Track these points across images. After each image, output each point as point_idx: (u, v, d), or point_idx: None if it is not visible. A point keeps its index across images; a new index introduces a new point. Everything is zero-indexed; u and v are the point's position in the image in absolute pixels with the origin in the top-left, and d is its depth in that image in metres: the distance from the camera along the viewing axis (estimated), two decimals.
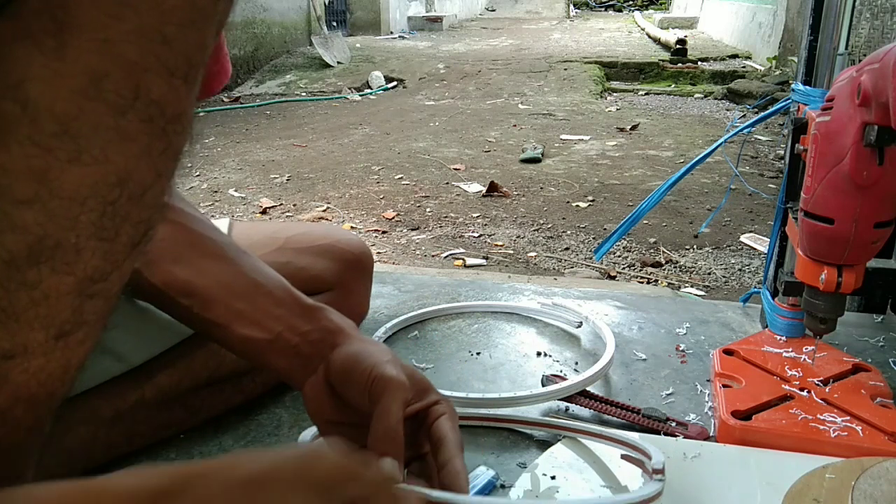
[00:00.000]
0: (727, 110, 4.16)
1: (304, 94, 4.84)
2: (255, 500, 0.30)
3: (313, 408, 0.52)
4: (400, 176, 2.70)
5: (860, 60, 0.58)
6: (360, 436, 0.47)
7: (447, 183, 2.59)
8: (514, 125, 3.66)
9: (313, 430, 0.58)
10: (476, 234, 2.04)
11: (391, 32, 7.78)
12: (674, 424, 0.68)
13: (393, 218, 2.20)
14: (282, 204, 2.37)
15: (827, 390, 0.70)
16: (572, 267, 1.81)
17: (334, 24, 7.03)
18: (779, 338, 0.82)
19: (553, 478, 0.60)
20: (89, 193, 0.30)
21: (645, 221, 2.06)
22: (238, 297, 0.53)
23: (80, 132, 0.29)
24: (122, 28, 0.29)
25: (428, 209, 2.29)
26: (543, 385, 0.74)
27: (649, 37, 7.30)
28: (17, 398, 0.32)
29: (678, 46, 5.79)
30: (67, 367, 0.34)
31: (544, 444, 0.66)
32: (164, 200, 0.34)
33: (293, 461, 0.33)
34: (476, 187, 2.51)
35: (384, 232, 2.08)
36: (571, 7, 12.66)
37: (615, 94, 4.85)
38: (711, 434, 0.68)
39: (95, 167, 0.30)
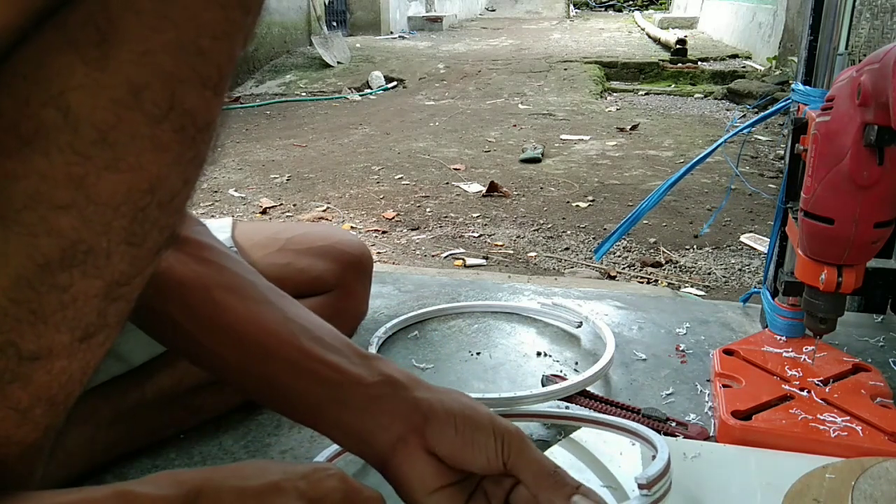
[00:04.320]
0: (727, 110, 4.16)
1: (304, 94, 4.84)
2: None
3: (418, 482, 0.45)
4: (400, 176, 2.70)
5: (860, 60, 0.58)
6: (460, 493, 0.46)
7: (447, 183, 2.59)
8: (514, 125, 3.66)
9: (328, 451, 0.58)
10: (476, 234, 2.04)
11: (391, 32, 7.78)
12: (674, 424, 0.68)
13: (393, 218, 2.20)
14: (282, 204, 2.37)
15: (827, 390, 0.70)
16: (572, 267, 1.81)
17: (334, 24, 7.03)
18: (779, 338, 0.82)
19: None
20: (123, 200, 0.31)
21: (645, 221, 2.06)
22: (287, 344, 0.47)
23: (118, 141, 0.30)
24: (161, 40, 0.30)
25: (428, 209, 2.29)
26: (543, 385, 0.74)
27: (649, 37, 7.30)
28: (38, 398, 0.33)
29: (678, 46, 5.79)
30: (86, 369, 0.34)
31: (544, 444, 0.66)
32: (187, 207, 0.35)
33: (301, 477, 0.38)
34: (476, 187, 2.51)
35: (384, 232, 2.08)
36: (571, 7, 12.65)
37: (615, 94, 4.85)
38: (711, 434, 0.68)
39: (130, 174, 0.31)
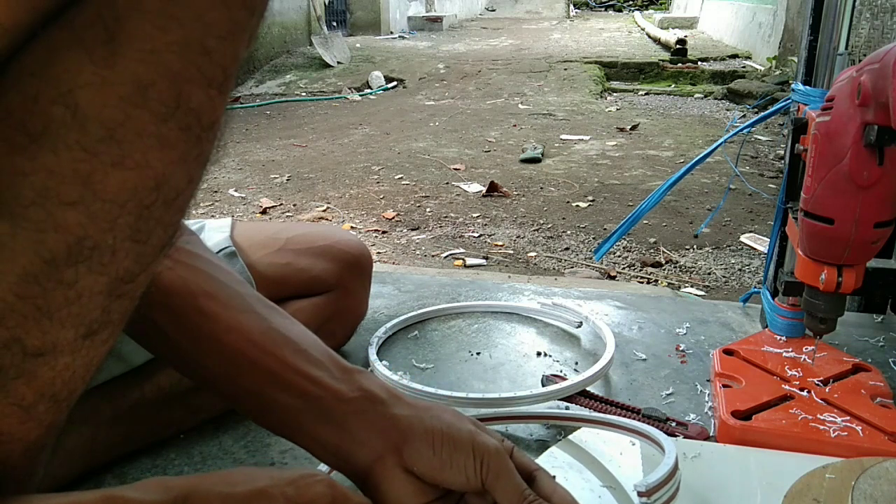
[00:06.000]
0: (727, 110, 4.16)
1: (304, 94, 4.84)
2: None
3: (396, 501, 0.45)
4: (400, 176, 2.70)
5: (860, 60, 0.58)
6: None
7: (447, 183, 2.59)
8: (514, 125, 3.66)
9: None
10: (476, 234, 2.04)
11: (391, 32, 7.78)
12: (674, 424, 0.68)
13: (393, 218, 2.20)
14: (282, 204, 2.37)
15: (827, 390, 0.70)
16: (572, 267, 1.81)
17: (334, 24, 7.04)
18: (779, 338, 0.82)
19: (553, 478, 0.60)
20: (129, 197, 0.31)
21: (645, 221, 2.06)
22: (269, 355, 0.47)
23: (125, 138, 0.31)
24: (167, 39, 0.30)
25: (428, 209, 2.29)
26: (543, 385, 0.74)
27: (649, 37, 7.31)
28: (41, 395, 0.33)
29: (678, 46, 5.79)
30: (89, 366, 0.35)
31: (544, 445, 0.66)
32: (191, 205, 0.35)
33: (288, 483, 0.38)
34: (476, 187, 2.51)
35: (384, 232, 2.08)
36: (571, 7, 12.66)
37: (615, 94, 4.85)
38: (711, 434, 0.68)
39: (137, 171, 0.31)
